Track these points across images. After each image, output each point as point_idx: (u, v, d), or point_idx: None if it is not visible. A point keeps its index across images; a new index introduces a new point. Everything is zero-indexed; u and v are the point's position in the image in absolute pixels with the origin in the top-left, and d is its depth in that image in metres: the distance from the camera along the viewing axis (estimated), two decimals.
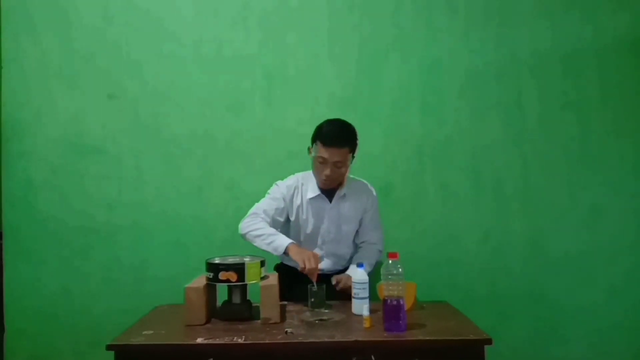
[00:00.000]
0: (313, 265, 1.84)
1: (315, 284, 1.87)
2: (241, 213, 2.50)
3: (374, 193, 2.21)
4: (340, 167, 1.99)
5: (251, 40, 2.60)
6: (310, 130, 2.55)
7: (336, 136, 1.97)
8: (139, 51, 2.59)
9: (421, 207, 2.61)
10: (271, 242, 1.95)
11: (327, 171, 1.98)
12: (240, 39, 2.60)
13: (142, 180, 2.58)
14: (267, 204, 2.09)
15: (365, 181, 2.24)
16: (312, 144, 2.04)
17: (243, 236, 2.04)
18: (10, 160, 2.56)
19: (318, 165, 2.01)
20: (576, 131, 2.62)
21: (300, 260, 1.86)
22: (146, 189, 2.58)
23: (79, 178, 2.56)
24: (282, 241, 1.94)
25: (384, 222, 2.25)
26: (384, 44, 2.62)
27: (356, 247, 2.21)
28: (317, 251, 2.10)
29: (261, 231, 1.99)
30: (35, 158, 2.55)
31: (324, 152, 1.96)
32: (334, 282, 2.03)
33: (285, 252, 1.93)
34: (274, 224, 2.07)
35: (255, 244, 2.00)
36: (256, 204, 2.11)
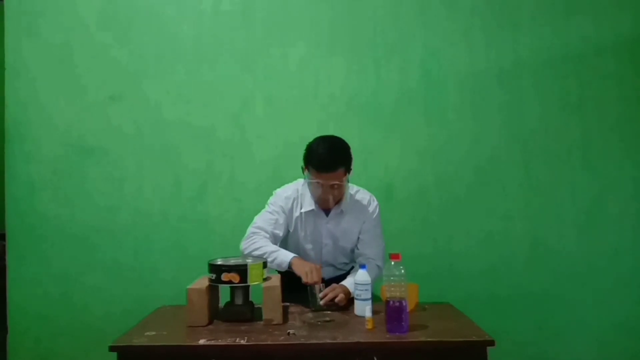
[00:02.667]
0: (315, 279, 1.84)
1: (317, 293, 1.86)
2: (243, 214, 2.51)
3: (375, 205, 2.11)
4: (337, 188, 1.94)
5: (252, 39, 2.61)
6: (311, 131, 2.55)
7: (329, 161, 1.90)
8: (140, 52, 2.59)
9: (422, 207, 2.61)
10: (274, 260, 1.94)
11: (324, 194, 1.95)
12: (241, 38, 2.61)
13: (143, 182, 2.58)
14: (265, 219, 2.06)
15: (366, 192, 2.14)
16: (306, 166, 1.98)
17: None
18: (13, 161, 2.56)
19: (314, 188, 1.97)
20: (577, 132, 2.62)
21: (302, 273, 1.85)
22: (148, 190, 2.58)
23: (81, 179, 2.57)
24: (284, 257, 1.93)
25: (385, 223, 2.21)
26: (385, 45, 2.62)
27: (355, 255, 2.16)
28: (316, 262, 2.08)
29: (262, 250, 1.96)
30: (37, 159, 2.56)
31: (318, 177, 1.91)
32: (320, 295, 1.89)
33: (289, 268, 1.92)
34: (274, 238, 2.04)
35: None
36: (255, 219, 2.08)
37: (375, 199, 2.14)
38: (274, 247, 1.98)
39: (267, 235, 2.02)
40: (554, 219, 2.61)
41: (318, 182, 1.92)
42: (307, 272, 1.84)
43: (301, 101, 2.61)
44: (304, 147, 2.55)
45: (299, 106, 2.61)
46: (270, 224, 2.04)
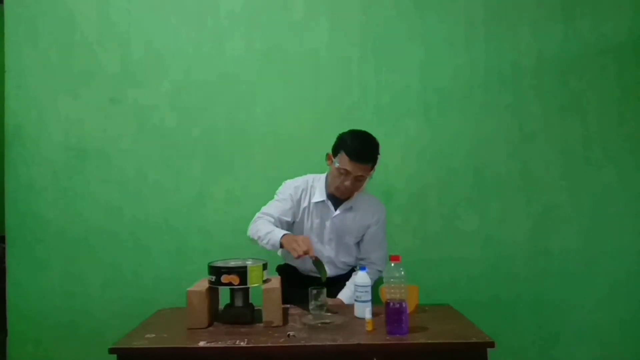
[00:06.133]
0: (304, 248, 1.79)
1: (316, 262, 1.84)
2: (243, 216, 2.50)
3: (382, 210, 2.18)
4: (360, 181, 2.00)
5: (251, 42, 2.61)
6: (311, 133, 2.57)
7: (364, 153, 1.96)
8: (139, 55, 2.59)
9: (423, 210, 2.61)
10: (268, 241, 1.93)
11: (348, 183, 1.98)
12: (240, 42, 2.61)
13: (143, 184, 2.58)
14: (272, 206, 2.09)
15: (375, 197, 2.22)
16: (335, 154, 2.03)
17: (252, 241, 2.04)
18: (12, 164, 2.56)
19: (338, 175, 2.00)
20: (578, 133, 2.62)
21: (291, 249, 1.82)
22: (147, 193, 2.58)
23: (81, 182, 2.57)
24: (276, 237, 1.91)
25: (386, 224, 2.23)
26: (385, 47, 2.62)
27: (356, 258, 2.19)
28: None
29: (259, 232, 1.97)
30: (37, 162, 2.56)
31: (348, 165, 1.95)
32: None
33: (282, 247, 1.91)
34: (280, 224, 2.05)
35: (260, 247, 2.00)
36: (263, 208, 2.10)
37: (383, 204, 2.20)
38: (269, 228, 1.96)
39: (272, 220, 2.03)
40: (555, 221, 2.61)
41: (346, 170, 1.95)
42: (294, 247, 1.80)
43: (301, 104, 2.61)
44: (304, 149, 2.57)
45: (299, 109, 2.60)
46: (277, 210, 2.06)
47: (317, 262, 1.89)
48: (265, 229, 1.97)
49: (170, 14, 2.61)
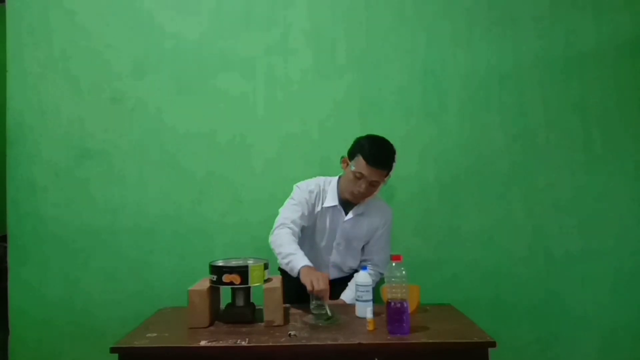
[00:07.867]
0: (322, 287, 1.74)
1: (325, 304, 1.77)
2: (243, 216, 2.51)
3: (390, 214, 2.19)
4: (375, 186, 2.01)
5: (254, 42, 2.61)
6: (311, 134, 2.57)
7: (382, 159, 1.98)
8: (141, 55, 2.59)
9: (424, 209, 2.61)
10: (288, 263, 1.90)
11: (362, 188, 1.98)
12: (242, 41, 2.61)
13: (144, 184, 2.58)
14: (293, 210, 2.05)
15: (383, 201, 2.24)
16: (351, 157, 2.02)
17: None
18: (14, 163, 2.57)
19: (353, 179, 2.00)
20: (579, 133, 2.62)
21: (307, 282, 1.76)
22: (149, 192, 2.58)
23: (83, 181, 2.57)
24: (297, 263, 1.86)
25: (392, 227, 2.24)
26: (386, 48, 2.62)
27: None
28: (325, 270, 2.09)
29: (281, 248, 1.93)
30: (39, 161, 2.56)
31: (364, 169, 1.96)
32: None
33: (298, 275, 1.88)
34: (300, 229, 2.04)
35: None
36: (280, 211, 2.08)
37: (391, 208, 2.22)
38: (293, 249, 1.91)
39: (297, 229, 2.01)
40: (556, 221, 2.60)
41: (361, 174, 1.96)
42: (312, 280, 1.75)
43: (301, 104, 2.60)
44: (305, 149, 2.57)
45: (299, 109, 2.60)
46: (298, 216, 2.04)
47: (321, 306, 1.78)
48: (288, 248, 1.92)
49: (173, 12, 2.61)
